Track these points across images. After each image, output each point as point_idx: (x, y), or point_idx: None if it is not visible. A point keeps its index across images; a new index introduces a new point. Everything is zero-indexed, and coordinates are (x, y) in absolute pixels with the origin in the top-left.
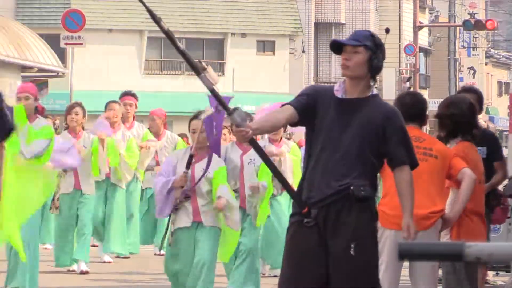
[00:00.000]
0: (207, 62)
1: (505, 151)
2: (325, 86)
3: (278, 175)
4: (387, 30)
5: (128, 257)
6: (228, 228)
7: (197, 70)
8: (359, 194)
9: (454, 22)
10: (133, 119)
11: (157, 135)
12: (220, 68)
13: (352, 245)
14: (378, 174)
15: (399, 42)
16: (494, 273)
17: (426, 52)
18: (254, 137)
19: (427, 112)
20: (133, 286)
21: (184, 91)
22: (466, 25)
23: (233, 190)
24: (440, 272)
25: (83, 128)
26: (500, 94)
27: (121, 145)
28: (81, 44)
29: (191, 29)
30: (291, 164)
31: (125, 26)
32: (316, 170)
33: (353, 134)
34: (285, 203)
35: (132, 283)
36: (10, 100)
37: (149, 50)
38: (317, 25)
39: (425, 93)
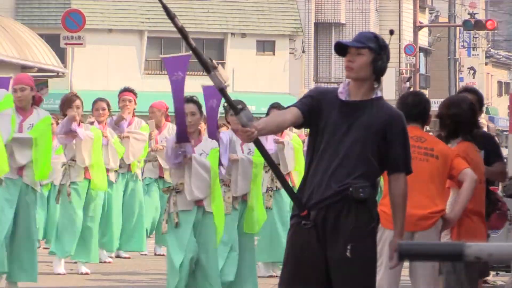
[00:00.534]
0: None
1: (505, 151)
2: (329, 88)
3: (279, 176)
4: (392, 32)
5: (129, 257)
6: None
7: (208, 69)
8: (358, 195)
9: (454, 22)
10: (133, 116)
11: (158, 127)
12: None
13: (349, 247)
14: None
15: (399, 42)
16: (494, 273)
17: (426, 52)
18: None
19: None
20: (133, 286)
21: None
22: (466, 25)
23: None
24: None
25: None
26: (500, 94)
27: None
28: (81, 44)
29: (191, 29)
30: (293, 153)
31: (125, 26)
32: (317, 172)
33: (355, 136)
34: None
35: (132, 283)
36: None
37: (149, 50)
38: (317, 25)
39: (425, 93)
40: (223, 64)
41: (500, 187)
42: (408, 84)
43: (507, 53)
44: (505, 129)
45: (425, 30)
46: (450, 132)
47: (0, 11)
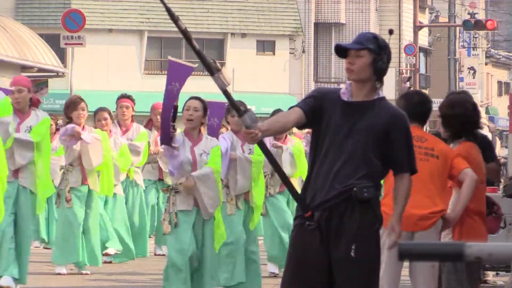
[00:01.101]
0: None
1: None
2: (331, 88)
3: (283, 177)
4: (391, 32)
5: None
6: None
7: (211, 70)
8: (362, 195)
9: (454, 22)
10: (131, 122)
11: (159, 128)
12: None
13: (353, 247)
14: None
15: (399, 42)
16: (494, 273)
17: (426, 52)
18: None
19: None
20: (132, 286)
21: (184, 91)
22: (466, 25)
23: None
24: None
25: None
26: (500, 94)
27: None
28: (81, 44)
29: (191, 29)
30: (291, 158)
31: (125, 26)
32: (321, 172)
33: (358, 137)
34: (283, 200)
35: (131, 283)
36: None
37: (149, 50)
38: (317, 25)
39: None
40: (223, 64)
41: (500, 187)
42: (408, 84)
43: (507, 53)
44: (505, 129)
45: (425, 30)
46: (455, 132)
47: (0, 11)
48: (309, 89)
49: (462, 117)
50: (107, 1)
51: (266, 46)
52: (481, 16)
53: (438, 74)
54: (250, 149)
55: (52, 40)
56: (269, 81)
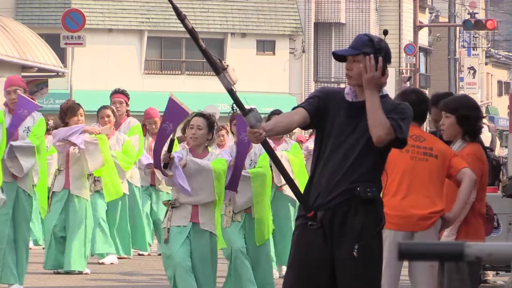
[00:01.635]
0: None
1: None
2: (335, 88)
3: (286, 176)
4: (385, 32)
5: (129, 257)
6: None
7: (217, 70)
8: (365, 195)
9: (454, 22)
10: (127, 116)
11: (154, 134)
12: None
13: (356, 247)
14: None
15: (399, 42)
16: (494, 273)
17: (426, 52)
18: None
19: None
20: (133, 286)
21: (184, 91)
22: (466, 25)
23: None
24: None
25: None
26: (500, 94)
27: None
28: (81, 44)
29: None
30: (286, 163)
31: (125, 26)
32: (324, 172)
33: (362, 136)
34: (281, 202)
35: (131, 283)
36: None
37: (149, 50)
38: (317, 25)
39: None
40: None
41: (500, 187)
42: (408, 84)
43: (507, 53)
44: (505, 129)
45: (425, 30)
46: (472, 132)
47: (0, 11)
48: (309, 89)
49: (478, 119)
50: (107, 1)
51: (266, 46)
52: (481, 16)
53: (438, 74)
54: (251, 160)
55: (52, 40)
56: (269, 81)
